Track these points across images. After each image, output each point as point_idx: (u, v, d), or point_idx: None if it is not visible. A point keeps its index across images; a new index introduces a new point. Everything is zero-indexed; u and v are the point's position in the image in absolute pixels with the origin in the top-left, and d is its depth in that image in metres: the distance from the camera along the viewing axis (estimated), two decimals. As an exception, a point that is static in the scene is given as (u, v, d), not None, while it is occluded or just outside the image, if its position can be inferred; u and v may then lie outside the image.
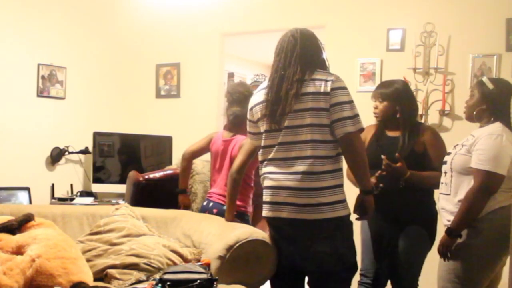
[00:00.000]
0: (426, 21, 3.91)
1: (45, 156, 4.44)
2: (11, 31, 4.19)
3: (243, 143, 3.06)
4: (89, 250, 2.88)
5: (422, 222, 2.84)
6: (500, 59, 3.71)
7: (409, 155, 2.81)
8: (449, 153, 2.73)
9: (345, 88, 2.41)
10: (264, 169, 2.52)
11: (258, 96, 2.56)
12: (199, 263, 2.66)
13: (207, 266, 2.62)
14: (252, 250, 2.68)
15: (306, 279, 2.63)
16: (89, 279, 2.57)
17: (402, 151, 2.80)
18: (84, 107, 4.75)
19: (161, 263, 2.75)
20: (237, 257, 2.64)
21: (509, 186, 2.57)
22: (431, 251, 2.87)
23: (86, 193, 4.55)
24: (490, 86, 2.63)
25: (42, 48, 4.41)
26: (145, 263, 2.73)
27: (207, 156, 3.47)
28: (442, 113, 3.87)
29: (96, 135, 4.59)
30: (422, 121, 3.85)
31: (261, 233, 2.79)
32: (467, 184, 2.56)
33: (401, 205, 2.80)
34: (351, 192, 2.56)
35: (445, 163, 2.71)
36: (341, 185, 2.43)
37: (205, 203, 3.28)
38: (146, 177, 3.60)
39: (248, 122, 2.66)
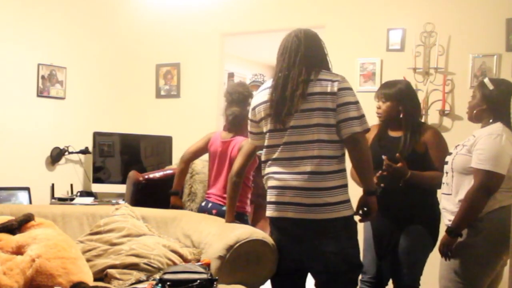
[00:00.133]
0: (426, 21, 3.91)
1: (45, 156, 4.44)
2: (11, 31, 4.19)
3: (242, 145, 3.06)
4: (89, 250, 2.88)
5: (424, 222, 2.84)
6: (500, 59, 3.71)
7: (410, 155, 2.81)
8: (450, 153, 2.75)
9: (351, 88, 2.44)
10: (268, 169, 2.50)
11: (261, 96, 2.55)
12: (199, 263, 2.66)
13: (207, 266, 2.62)
14: (252, 250, 2.68)
15: (308, 279, 2.63)
16: (89, 279, 2.57)
17: (403, 151, 2.81)
18: (84, 107, 4.75)
19: (161, 263, 2.75)
20: (237, 257, 2.64)
21: (510, 185, 2.58)
22: (433, 251, 2.87)
23: (86, 193, 4.55)
24: (491, 87, 2.65)
25: (42, 48, 4.41)
26: (145, 263, 2.73)
27: (207, 156, 3.47)
28: (442, 113, 3.88)
29: (96, 135, 4.59)
30: (422, 121, 3.85)
31: (261, 233, 2.79)
32: (468, 184, 2.57)
33: (402, 205, 2.80)
34: (354, 193, 2.55)
35: (446, 163, 2.73)
36: (346, 185, 2.44)
37: (203, 204, 3.27)
38: (146, 177, 3.60)
39: (249, 122, 2.66)
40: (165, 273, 2.48)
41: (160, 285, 2.38)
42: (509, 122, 2.60)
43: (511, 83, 2.78)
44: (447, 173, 2.72)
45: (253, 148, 2.95)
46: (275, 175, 2.46)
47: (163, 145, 4.78)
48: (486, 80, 2.71)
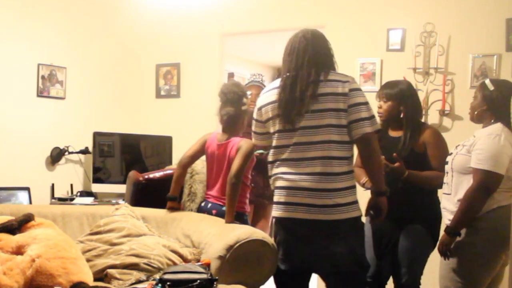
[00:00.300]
0: (426, 21, 3.91)
1: (45, 156, 4.44)
2: (11, 31, 4.19)
3: (240, 145, 3.05)
4: (89, 250, 2.88)
5: (423, 221, 2.85)
6: (500, 59, 3.72)
7: (409, 155, 2.82)
8: (450, 153, 2.76)
9: (361, 89, 2.45)
10: (277, 170, 2.49)
11: (268, 96, 2.54)
12: (199, 263, 2.66)
13: (207, 266, 2.62)
14: (252, 250, 2.68)
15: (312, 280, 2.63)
16: (89, 279, 2.57)
17: (401, 151, 2.82)
18: (84, 107, 4.75)
19: (161, 263, 2.75)
20: (237, 257, 2.64)
21: (508, 186, 2.59)
22: (434, 252, 2.87)
23: (86, 193, 4.55)
24: (491, 87, 2.67)
25: (42, 48, 4.41)
26: (145, 263, 2.73)
27: (207, 156, 3.46)
28: (442, 113, 3.88)
29: (96, 135, 4.59)
30: (422, 121, 3.86)
31: (261, 233, 2.79)
32: (467, 183, 2.59)
33: (401, 205, 2.81)
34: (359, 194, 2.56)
35: (447, 163, 2.74)
36: (355, 186, 2.45)
37: (203, 204, 3.26)
38: (146, 177, 3.59)
39: (254, 122, 2.64)
40: (165, 273, 2.48)
41: (160, 285, 2.38)
42: (509, 122, 2.61)
43: (511, 83, 2.80)
44: (447, 172, 2.74)
45: (251, 149, 2.96)
46: (284, 176, 2.44)
47: (163, 145, 4.78)
48: (487, 81, 2.73)
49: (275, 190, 2.50)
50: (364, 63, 4.12)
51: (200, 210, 3.27)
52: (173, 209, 3.27)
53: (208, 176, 3.28)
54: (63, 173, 4.56)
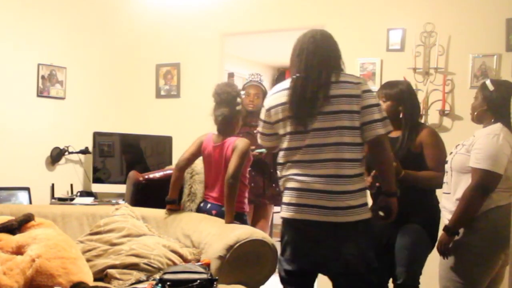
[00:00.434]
0: (426, 21, 3.91)
1: (45, 156, 4.44)
2: (11, 31, 4.19)
3: (235, 144, 3.04)
4: (89, 250, 2.88)
5: (421, 220, 2.85)
6: (500, 59, 3.72)
7: (406, 155, 2.83)
8: (450, 153, 2.78)
9: (372, 91, 2.45)
10: (287, 171, 2.47)
11: (278, 97, 2.51)
12: (199, 263, 2.66)
13: (207, 266, 2.62)
14: (252, 250, 2.68)
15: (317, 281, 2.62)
16: (89, 279, 2.57)
17: (398, 151, 2.82)
18: (84, 107, 4.75)
19: (161, 263, 2.76)
20: (237, 257, 2.65)
21: (507, 186, 2.60)
22: (433, 252, 2.87)
23: (86, 193, 4.54)
24: (491, 88, 2.68)
25: (42, 48, 4.41)
26: (145, 263, 2.73)
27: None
28: (442, 113, 3.88)
29: (96, 135, 4.59)
30: (422, 121, 3.86)
31: (261, 233, 2.79)
32: (465, 183, 2.60)
33: (399, 204, 2.81)
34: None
35: (446, 162, 2.75)
36: (366, 188, 2.45)
37: (202, 205, 3.25)
38: (146, 177, 3.60)
39: (262, 123, 2.62)
40: (165, 273, 2.48)
41: (160, 285, 2.38)
42: (509, 122, 2.62)
43: (511, 83, 2.81)
44: (447, 172, 2.75)
45: (247, 148, 2.96)
46: (296, 177, 2.42)
47: (163, 145, 4.78)
48: (487, 82, 2.75)
49: (285, 191, 2.48)
50: (364, 63, 4.12)
51: (199, 210, 3.26)
52: (172, 210, 3.27)
53: (206, 177, 3.27)
54: (63, 173, 4.56)
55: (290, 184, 2.45)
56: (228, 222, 2.92)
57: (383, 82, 3.61)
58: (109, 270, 2.72)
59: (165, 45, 4.99)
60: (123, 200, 4.00)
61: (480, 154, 2.55)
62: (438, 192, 2.91)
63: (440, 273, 2.73)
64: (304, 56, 2.45)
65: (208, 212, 3.16)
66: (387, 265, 2.93)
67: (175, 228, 3.13)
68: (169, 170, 3.70)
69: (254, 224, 3.81)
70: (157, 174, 3.64)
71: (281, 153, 2.51)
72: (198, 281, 2.37)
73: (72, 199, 4.33)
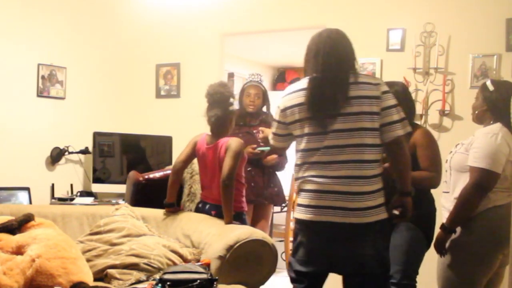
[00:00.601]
0: (426, 21, 3.91)
1: (45, 156, 4.44)
2: (11, 31, 4.19)
3: (228, 144, 3.03)
4: (89, 250, 2.88)
5: (415, 220, 2.84)
6: (500, 59, 3.72)
7: None
8: (450, 152, 2.79)
9: (390, 91, 2.45)
10: (305, 173, 2.43)
11: (294, 98, 2.46)
12: (199, 263, 2.66)
13: (207, 266, 2.62)
14: (252, 250, 2.68)
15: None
16: (89, 279, 2.57)
17: None
18: (84, 107, 4.75)
19: (161, 263, 2.76)
20: (237, 257, 2.65)
21: (505, 185, 2.61)
22: (431, 252, 2.87)
23: (86, 193, 4.55)
24: (491, 88, 2.70)
25: (42, 48, 4.41)
26: (145, 263, 2.73)
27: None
28: (442, 113, 3.88)
29: (96, 135, 4.59)
30: (422, 121, 3.86)
31: (261, 233, 2.79)
32: (463, 181, 2.62)
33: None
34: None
35: (446, 161, 2.76)
36: (383, 188, 2.44)
37: (200, 205, 3.23)
38: (146, 177, 3.60)
39: (276, 123, 2.57)
40: (165, 273, 2.48)
41: (160, 285, 2.38)
42: (509, 123, 2.62)
43: (511, 84, 2.82)
44: (446, 171, 2.78)
45: (240, 147, 2.94)
46: (314, 179, 2.39)
47: (163, 145, 4.78)
48: (487, 82, 2.76)
49: (302, 193, 2.45)
50: (364, 63, 4.12)
51: (197, 211, 3.25)
52: (171, 212, 3.26)
53: (202, 177, 3.25)
54: (63, 173, 4.56)
55: (308, 186, 2.41)
56: (227, 223, 2.92)
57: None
58: (109, 270, 2.72)
59: (165, 45, 4.99)
60: (123, 200, 4.00)
61: (478, 153, 2.57)
62: (438, 191, 2.92)
63: (438, 273, 2.74)
64: (320, 56, 2.42)
65: (207, 213, 3.15)
66: None
67: (175, 228, 3.13)
68: (169, 170, 3.70)
69: (254, 224, 3.81)
70: (157, 174, 3.65)
71: (298, 155, 2.48)
72: (198, 281, 2.37)
73: (72, 199, 4.34)
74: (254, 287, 2.76)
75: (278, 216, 5.58)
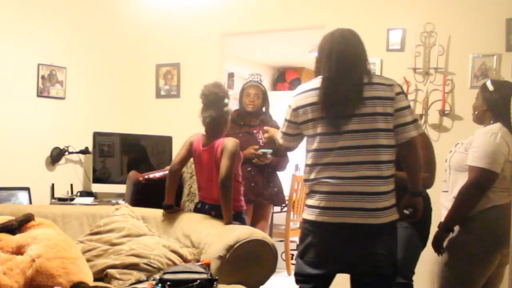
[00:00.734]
0: (426, 21, 3.91)
1: (45, 156, 4.44)
2: (11, 31, 4.20)
3: (224, 144, 3.01)
4: (89, 250, 2.88)
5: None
6: (500, 59, 3.72)
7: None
8: (450, 151, 2.80)
9: (404, 92, 2.45)
10: (318, 174, 2.40)
11: (306, 97, 2.44)
12: (199, 263, 2.66)
13: (207, 266, 2.62)
14: (252, 250, 2.68)
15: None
16: (89, 279, 2.57)
17: None
18: (84, 107, 4.75)
19: (161, 263, 2.75)
20: (237, 257, 2.65)
21: (504, 186, 2.61)
22: (427, 252, 2.87)
23: (86, 193, 4.55)
24: (491, 88, 2.70)
25: (42, 48, 4.41)
26: (145, 263, 2.73)
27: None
28: (442, 113, 3.88)
29: (96, 135, 4.59)
30: (422, 121, 3.86)
31: (261, 233, 2.79)
32: (462, 181, 2.63)
33: None
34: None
35: (446, 161, 2.77)
36: (395, 189, 2.44)
37: (199, 206, 3.22)
38: (146, 177, 3.60)
39: (287, 123, 2.54)
40: (165, 273, 2.48)
41: (160, 285, 2.38)
42: (509, 123, 2.62)
43: (511, 84, 2.82)
44: (446, 170, 2.78)
45: (236, 147, 2.94)
46: (329, 180, 2.37)
47: (163, 145, 4.78)
48: (488, 83, 2.77)
49: (315, 194, 2.41)
50: (364, 63, 4.12)
51: (196, 211, 3.24)
52: (171, 213, 3.26)
53: (198, 178, 3.24)
54: (63, 173, 4.56)
55: (323, 188, 2.38)
56: (227, 223, 2.92)
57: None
58: (109, 270, 2.72)
59: (165, 45, 4.99)
60: (123, 200, 4.00)
61: (477, 153, 2.57)
62: (434, 191, 2.92)
63: (436, 271, 2.75)
64: (334, 56, 2.40)
65: (207, 213, 3.14)
66: None
67: (175, 228, 3.13)
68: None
69: (254, 224, 3.81)
70: (157, 174, 3.65)
71: (309, 155, 2.45)
72: (198, 281, 2.37)
73: (72, 199, 4.34)
74: (254, 287, 2.76)
75: (278, 216, 5.58)
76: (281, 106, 8.09)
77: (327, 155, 2.38)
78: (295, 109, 2.47)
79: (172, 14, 4.97)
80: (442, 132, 3.87)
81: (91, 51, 4.80)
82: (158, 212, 3.26)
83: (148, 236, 2.99)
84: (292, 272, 5.49)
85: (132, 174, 3.70)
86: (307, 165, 2.47)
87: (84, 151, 4.59)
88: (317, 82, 2.44)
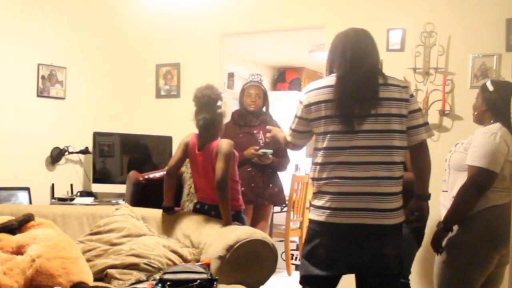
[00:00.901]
0: (426, 21, 3.91)
1: (45, 156, 4.44)
2: (11, 31, 4.20)
3: (218, 147, 3.00)
4: (89, 250, 2.88)
5: (405, 220, 2.85)
6: (500, 59, 3.71)
7: None
8: (450, 151, 2.81)
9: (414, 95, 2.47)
10: (330, 174, 2.37)
11: (320, 94, 2.40)
12: (199, 263, 2.66)
13: (207, 266, 2.62)
14: (252, 250, 2.68)
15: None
16: (89, 279, 2.57)
17: None
18: (84, 107, 4.75)
19: (161, 263, 2.76)
20: (237, 257, 2.65)
21: (504, 185, 2.61)
22: (424, 252, 2.87)
23: (86, 193, 4.55)
24: (491, 88, 2.71)
25: (42, 48, 4.41)
26: (145, 263, 2.73)
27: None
28: (442, 113, 3.88)
29: (96, 135, 4.59)
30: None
31: (261, 233, 2.79)
32: (462, 180, 2.63)
33: None
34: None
35: (445, 160, 2.77)
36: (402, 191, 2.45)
37: (198, 206, 3.21)
38: (146, 177, 3.60)
39: (297, 119, 2.49)
40: (165, 273, 2.48)
41: (160, 285, 2.38)
42: (509, 123, 2.62)
43: (511, 84, 2.83)
44: (445, 170, 2.78)
45: (231, 148, 2.93)
46: (340, 181, 2.34)
47: (163, 145, 4.78)
48: (487, 83, 2.77)
49: (325, 195, 2.37)
50: (364, 63, 4.12)
51: (195, 211, 3.23)
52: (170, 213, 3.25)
53: (195, 180, 3.23)
54: (63, 173, 4.56)
55: (333, 189, 2.36)
56: (226, 224, 2.92)
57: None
58: (109, 270, 2.72)
59: (165, 45, 4.99)
60: (123, 200, 4.00)
61: (477, 152, 2.57)
62: (433, 191, 2.91)
63: (435, 271, 2.75)
64: (348, 55, 2.40)
65: (207, 213, 3.13)
66: None
67: (175, 228, 3.13)
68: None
69: (254, 224, 3.81)
70: (157, 174, 3.65)
71: (319, 153, 2.41)
72: (198, 281, 2.37)
73: (72, 199, 4.34)
74: (254, 287, 2.76)
75: (278, 216, 5.58)
76: (281, 106, 8.09)
77: (339, 153, 2.36)
78: (307, 106, 2.43)
79: (172, 14, 4.97)
80: (442, 132, 3.87)
81: (91, 51, 4.80)
82: (158, 212, 3.26)
83: (148, 236, 2.99)
84: (292, 272, 5.52)
85: (132, 174, 3.70)
86: (317, 164, 2.42)
87: (84, 151, 4.59)
88: (331, 79, 2.41)
